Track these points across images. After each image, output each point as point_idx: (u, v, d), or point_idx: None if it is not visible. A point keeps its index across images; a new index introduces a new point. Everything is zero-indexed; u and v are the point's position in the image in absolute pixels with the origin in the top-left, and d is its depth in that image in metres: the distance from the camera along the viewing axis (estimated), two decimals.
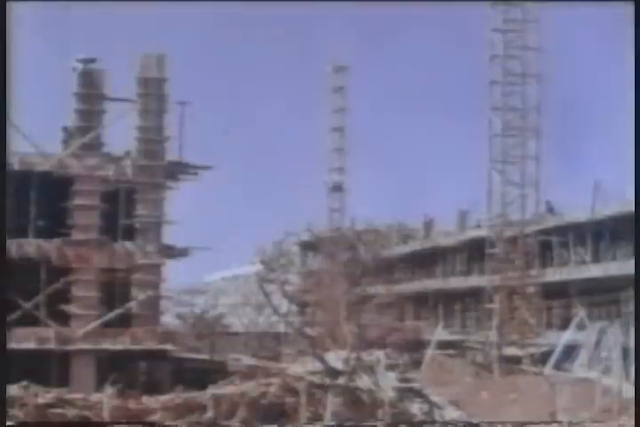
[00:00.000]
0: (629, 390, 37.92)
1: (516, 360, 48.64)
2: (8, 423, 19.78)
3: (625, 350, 41.72)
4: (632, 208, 47.79)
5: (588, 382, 37.80)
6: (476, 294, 56.91)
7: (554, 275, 52.85)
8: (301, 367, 32.15)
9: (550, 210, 56.05)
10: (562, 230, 53.27)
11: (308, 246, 77.92)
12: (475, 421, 29.19)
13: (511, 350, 49.99)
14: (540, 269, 53.27)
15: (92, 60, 40.81)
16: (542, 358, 47.27)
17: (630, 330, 44.53)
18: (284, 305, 69.56)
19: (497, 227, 53.55)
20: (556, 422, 30.89)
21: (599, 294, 48.64)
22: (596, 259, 51.85)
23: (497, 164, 53.35)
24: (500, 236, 53.11)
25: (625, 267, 48.65)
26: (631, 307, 48.12)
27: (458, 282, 62.05)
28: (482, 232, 55.61)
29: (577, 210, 52.83)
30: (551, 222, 53.83)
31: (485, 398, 35.35)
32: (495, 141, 53.27)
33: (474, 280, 58.90)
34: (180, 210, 42.53)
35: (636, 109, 19.86)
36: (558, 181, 64.46)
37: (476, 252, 57.64)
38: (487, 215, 54.91)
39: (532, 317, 51.71)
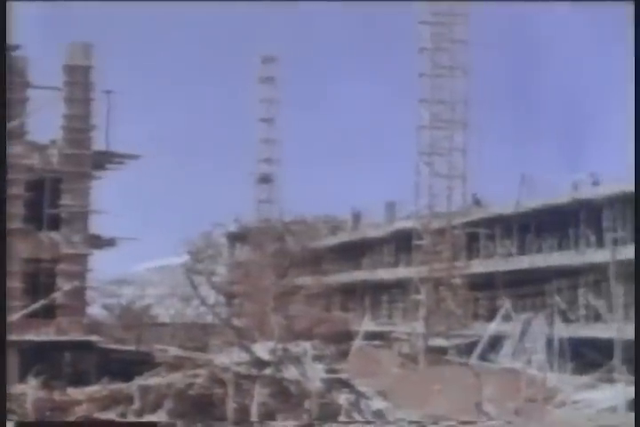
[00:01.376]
0: (553, 380, 38.45)
1: (443, 351, 49.00)
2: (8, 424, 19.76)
3: (549, 341, 42.26)
4: (557, 201, 48.54)
5: (513, 373, 38.21)
6: (403, 286, 57.21)
7: (480, 267, 53.30)
8: (228, 358, 31.97)
9: (477, 202, 56.48)
10: (488, 222, 53.72)
11: (236, 237, 77.70)
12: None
13: (437, 341, 50.34)
14: (467, 261, 53.70)
15: (16, 47, 40.17)
16: (468, 349, 47.66)
17: (555, 321, 45.15)
18: (212, 296, 69.30)
19: (424, 219, 53.86)
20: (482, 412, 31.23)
21: (525, 286, 49.14)
22: (522, 251, 52.37)
23: (425, 156, 53.66)
24: (427, 227, 53.43)
25: (550, 259, 49.27)
26: (556, 298, 48.79)
27: (385, 273, 62.30)
28: (409, 224, 55.88)
29: (503, 202, 53.32)
30: (478, 214, 54.26)
31: (412, 388, 35.51)
32: (423, 133, 53.58)
33: (401, 272, 59.19)
34: (107, 200, 42.15)
35: (636, 109, 20.06)
36: (485, 174, 65.05)
37: (403, 243, 57.92)
38: (415, 207, 55.22)
39: (459, 308, 52.13)
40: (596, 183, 48.61)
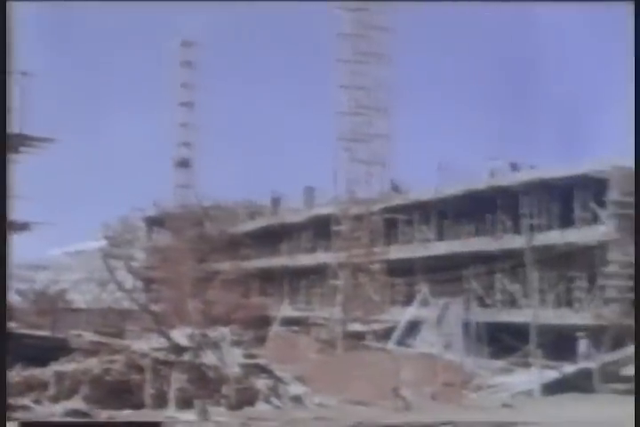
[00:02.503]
0: (470, 365, 38.82)
1: (360, 336, 49.16)
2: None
3: (466, 326, 42.64)
4: (475, 187, 48.95)
5: (430, 358, 38.48)
6: (321, 271, 57.26)
7: (398, 252, 53.55)
8: (146, 344, 31.74)
9: (396, 188, 56.70)
10: (407, 208, 53.99)
11: (155, 222, 77.10)
12: None
13: (355, 327, 50.50)
14: (385, 247, 53.90)
15: None
16: (386, 334, 47.90)
17: (471, 306, 45.56)
18: (129, 281, 68.66)
19: (343, 204, 53.91)
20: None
21: (442, 272, 49.48)
22: (440, 237, 52.75)
23: (344, 142, 53.66)
24: (346, 213, 53.49)
25: (467, 244, 49.70)
26: (473, 284, 49.25)
27: (304, 259, 62.32)
28: (328, 210, 55.91)
29: (422, 189, 53.61)
30: (396, 201, 54.47)
31: (330, 373, 35.57)
32: (343, 119, 53.55)
33: (320, 257, 59.24)
34: (22, 184, 41.38)
35: (636, 108, 20.15)
36: (405, 160, 65.33)
37: (322, 229, 57.94)
38: (334, 193, 55.26)
39: (377, 293, 52.33)
40: (515, 170, 49.13)
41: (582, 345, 41.04)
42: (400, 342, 46.06)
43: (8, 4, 19.94)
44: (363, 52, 53.33)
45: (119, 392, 28.95)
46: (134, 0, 56.94)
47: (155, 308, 53.49)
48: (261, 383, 30.95)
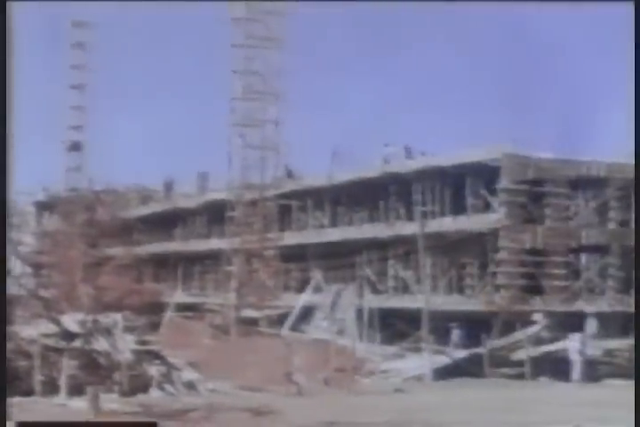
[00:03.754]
0: (362, 350, 39.10)
1: (254, 322, 49.16)
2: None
3: (359, 312, 42.90)
4: (369, 174, 49.24)
5: (323, 343, 38.64)
6: (215, 257, 57.06)
7: (292, 238, 53.63)
8: (35, 330, 31.19)
9: (289, 174, 56.69)
10: (301, 195, 54.06)
11: (44, 206, 75.87)
12: None
13: (249, 312, 50.46)
14: (279, 233, 53.93)
15: None
16: (280, 320, 47.97)
17: (364, 292, 45.87)
18: (18, 266, 67.49)
19: (237, 190, 53.72)
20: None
21: (336, 258, 49.72)
22: (334, 223, 52.95)
23: (238, 127, 53.43)
24: (239, 199, 53.33)
25: (360, 231, 49.99)
26: (366, 270, 49.59)
27: (197, 244, 62.02)
28: (222, 195, 55.67)
29: (316, 175, 53.72)
30: (290, 186, 54.49)
31: (223, 359, 35.49)
32: (236, 105, 53.28)
33: (213, 243, 59.01)
34: None
35: (636, 107, 20.17)
36: (299, 146, 65.35)
37: (215, 214, 57.73)
38: (228, 178, 55.02)
39: (270, 279, 52.36)
40: (409, 157, 49.50)
41: (454, 335, 41.66)
42: (293, 328, 46.17)
43: (8, 4, 19.69)
44: (256, 37, 53.03)
45: (8, 379, 28.40)
46: None
47: (44, 293, 52.65)
48: (154, 370, 30.70)
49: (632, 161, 46.56)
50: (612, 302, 44.36)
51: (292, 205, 54.60)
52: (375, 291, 47.95)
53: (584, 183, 46.12)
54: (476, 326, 40.74)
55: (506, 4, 54.41)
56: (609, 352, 38.42)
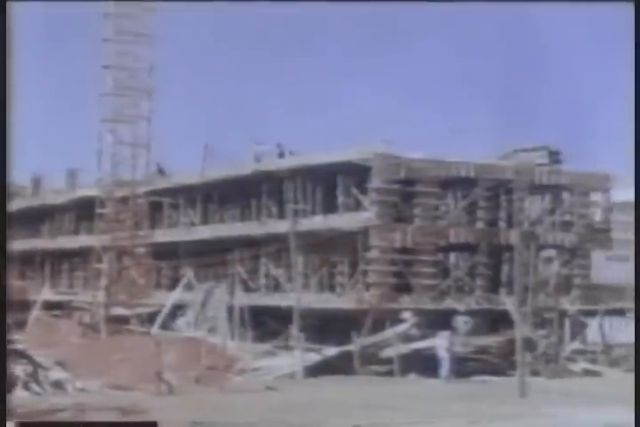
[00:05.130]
0: (233, 348, 39.01)
1: (124, 320, 48.57)
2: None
3: (230, 310, 42.77)
4: (241, 171, 49.14)
5: (194, 341, 38.41)
6: (84, 254, 56.22)
7: (163, 236, 53.18)
8: None
9: (161, 171, 56.19)
10: (172, 192, 53.64)
11: None
12: None
13: (119, 311, 49.83)
14: (150, 230, 53.40)
15: None
16: (150, 318, 47.52)
17: (236, 290, 45.75)
18: None
19: (107, 187, 52.98)
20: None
21: (207, 256, 49.48)
22: (205, 221, 52.68)
23: (108, 123, 52.67)
24: (110, 196, 52.60)
25: (232, 229, 49.87)
26: (238, 268, 49.48)
27: (66, 241, 60.99)
28: (92, 191, 54.84)
29: (187, 172, 53.37)
30: (162, 184, 54.02)
31: (92, 358, 34.99)
32: (106, 100, 52.52)
33: (82, 240, 58.13)
34: None
35: (637, 110, 20.05)
36: (170, 143, 64.82)
37: (85, 211, 56.85)
38: (98, 175, 54.22)
39: (141, 277, 51.78)
40: (281, 155, 49.55)
41: (293, 333, 41.99)
42: (164, 327, 45.76)
43: (8, 4, 19.17)
44: (127, 32, 52.31)
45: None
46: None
47: None
48: (20, 369, 30.10)
49: (500, 162, 47.66)
50: (481, 300, 45.18)
51: (163, 202, 54.12)
52: (247, 289, 47.87)
53: (454, 183, 46.86)
54: (346, 324, 40.99)
55: (505, 4, 54.57)
56: (477, 349, 39.10)
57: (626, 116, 21.56)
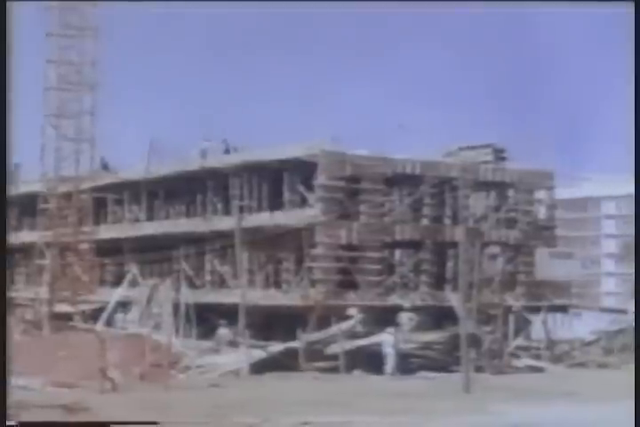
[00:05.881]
0: (178, 345, 38.80)
1: (68, 317, 48.12)
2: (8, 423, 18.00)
3: (175, 307, 42.54)
4: (186, 168, 48.95)
5: (138, 338, 38.12)
6: (26, 250, 55.57)
7: (108, 232, 52.77)
8: None
9: (105, 167, 55.73)
10: (117, 188, 53.25)
11: None
12: None
13: (63, 307, 49.35)
14: (94, 226, 52.92)
15: None
16: (94, 315, 47.14)
17: (181, 287, 45.51)
18: None
19: (50, 182, 52.41)
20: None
21: (152, 252, 49.18)
22: (150, 217, 52.37)
23: (51, 118, 52.10)
24: (53, 191, 52.04)
25: (177, 225, 49.64)
26: (183, 264, 49.27)
27: (8, 238, 60.18)
28: (35, 187, 54.22)
29: (132, 168, 53.00)
30: (106, 179, 53.57)
31: (35, 355, 34.62)
32: (50, 95, 51.94)
33: (25, 236, 57.46)
34: None
35: (636, 111, 19.94)
36: (115, 138, 64.27)
37: (28, 207, 56.22)
38: (41, 170, 53.61)
39: (85, 274, 51.30)
40: (227, 151, 49.38)
41: (221, 332, 41.95)
42: (108, 323, 45.44)
43: (8, 4, 18.98)
44: (71, 26, 51.73)
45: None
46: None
47: None
48: None
49: (445, 160, 47.91)
50: (426, 296, 45.36)
51: (107, 198, 53.71)
52: (192, 285, 47.66)
53: (399, 180, 47.00)
54: (291, 321, 40.98)
55: (505, 3, 54.31)
56: (422, 346, 39.24)
57: (620, 116, 21.66)
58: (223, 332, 41.74)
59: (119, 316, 46.33)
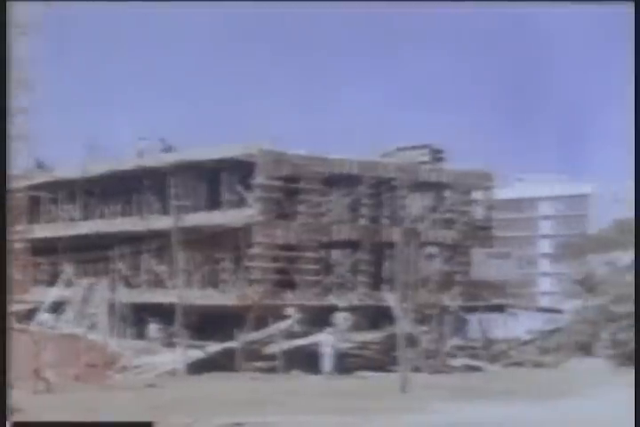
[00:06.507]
0: (114, 345, 38.47)
1: None
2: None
3: (111, 306, 42.19)
4: (123, 166, 48.47)
5: (73, 338, 37.74)
6: None
7: (42, 231, 52.11)
8: None
9: (40, 165, 55.07)
10: (52, 186, 52.62)
11: None
12: None
13: None
14: (29, 225, 52.23)
15: None
16: (28, 315, 46.53)
17: (117, 286, 45.15)
18: None
19: None
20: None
21: (87, 251, 48.69)
22: (85, 216, 51.83)
23: None
24: None
25: (113, 224, 49.16)
26: (119, 264, 48.82)
27: None
28: None
29: (68, 166, 52.41)
30: (41, 178, 52.87)
31: None
32: None
33: None
34: None
35: (636, 111, 19.71)
36: (50, 136, 63.60)
37: None
38: None
39: (19, 273, 50.64)
40: (166, 150, 49.01)
41: (152, 329, 41.76)
42: (43, 323, 44.88)
43: (8, 4, 18.62)
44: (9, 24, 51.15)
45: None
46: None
47: None
48: None
49: (382, 160, 48.01)
50: (363, 296, 45.39)
51: (42, 196, 53.07)
52: (128, 285, 47.28)
53: (337, 180, 46.98)
54: (229, 321, 40.81)
55: (504, 3, 54.02)
56: (359, 345, 39.28)
57: (625, 117, 21.69)
58: (153, 328, 41.50)
59: (54, 316, 45.82)
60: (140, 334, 42.33)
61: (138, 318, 42.76)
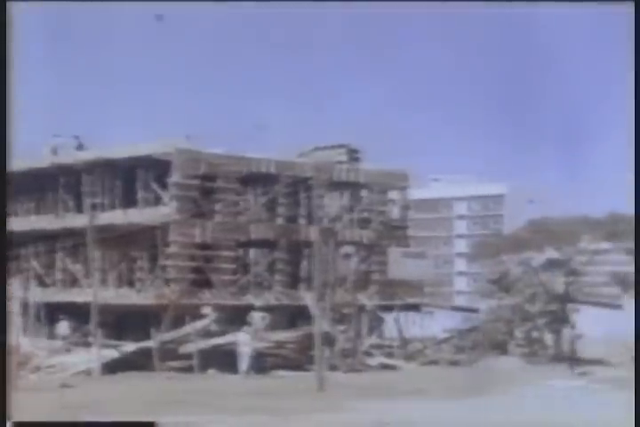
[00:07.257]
0: (27, 345, 37.96)
1: None
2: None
3: (24, 305, 41.61)
4: (37, 164, 47.79)
5: None
6: None
7: None
8: None
9: None
10: None
11: None
12: None
13: None
14: None
15: None
16: None
17: (31, 285, 44.56)
18: None
19: None
20: None
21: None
22: None
23: None
24: None
25: (27, 222, 48.44)
26: (32, 262, 48.16)
27: None
28: None
29: None
30: None
31: None
32: None
33: None
34: None
35: (636, 112, 19.46)
36: None
37: None
38: None
39: None
40: (80, 148, 48.51)
41: (62, 327, 41.43)
42: None
43: (8, 4, 18.08)
44: None
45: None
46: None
47: None
48: None
49: (299, 159, 48.07)
50: (280, 295, 45.38)
51: None
52: (42, 284, 46.68)
53: (254, 179, 46.90)
54: (145, 320, 40.51)
55: (504, 4, 53.49)
56: (276, 344, 39.25)
57: (625, 117, 21.77)
58: (68, 327, 41.06)
59: None
60: (54, 334, 41.81)
61: (52, 317, 42.24)
